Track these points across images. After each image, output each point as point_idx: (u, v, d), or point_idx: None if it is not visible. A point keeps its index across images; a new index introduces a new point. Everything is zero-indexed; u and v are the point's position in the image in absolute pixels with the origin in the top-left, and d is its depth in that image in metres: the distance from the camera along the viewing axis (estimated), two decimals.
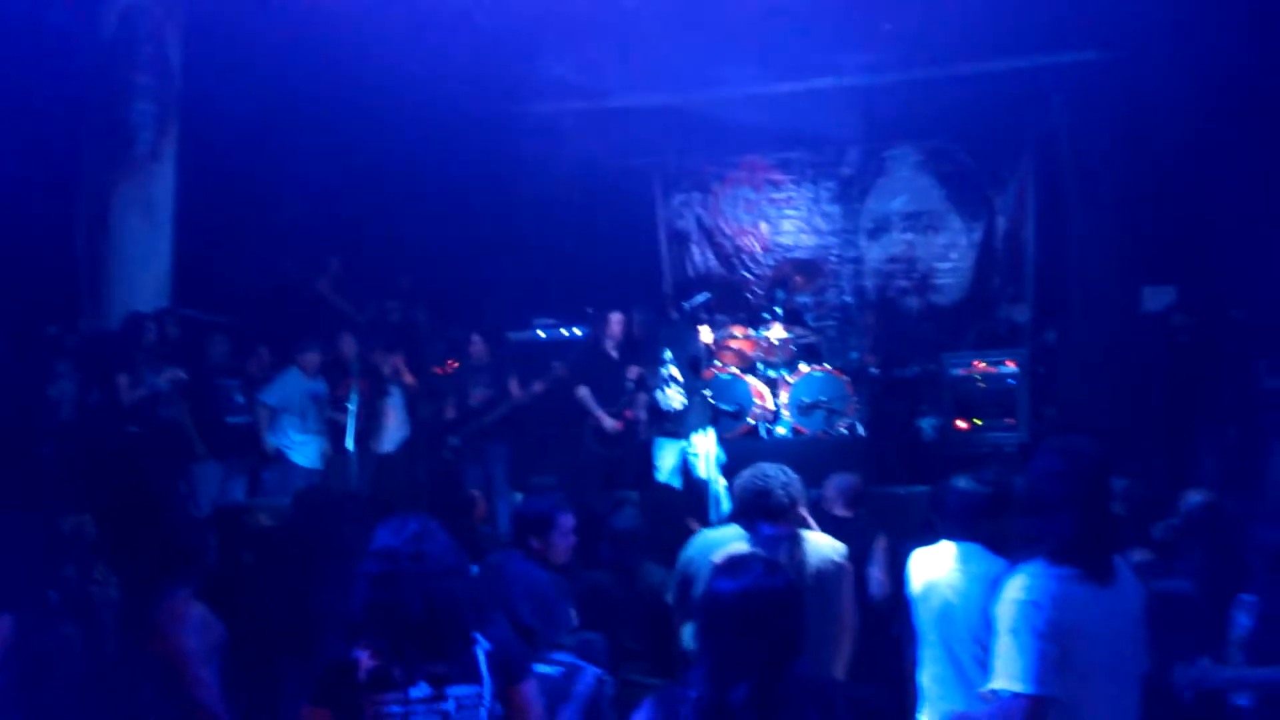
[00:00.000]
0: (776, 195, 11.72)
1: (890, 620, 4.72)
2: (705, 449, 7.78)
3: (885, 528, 5.57)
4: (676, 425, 7.78)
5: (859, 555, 4.82)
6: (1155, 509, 5.18)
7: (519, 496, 7.24)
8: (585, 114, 10.68)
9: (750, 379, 8.91)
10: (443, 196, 10.30)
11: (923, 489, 7.16)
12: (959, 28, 9.17)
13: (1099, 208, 9.82)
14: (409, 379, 8.79)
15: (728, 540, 4.07)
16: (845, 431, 8.77)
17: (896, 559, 4.75)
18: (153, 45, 8.69)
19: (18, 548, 4.26)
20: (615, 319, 8.36)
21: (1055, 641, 2.73)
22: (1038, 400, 8.80)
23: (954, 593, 3.54)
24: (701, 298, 9.34)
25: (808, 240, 11.60)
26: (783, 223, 11.69)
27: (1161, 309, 9.11)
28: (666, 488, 7.59)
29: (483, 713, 2.82)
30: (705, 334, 8.97)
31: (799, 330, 9.31)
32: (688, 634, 3.92)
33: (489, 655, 2.86)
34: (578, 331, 9.83)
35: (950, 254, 11.28)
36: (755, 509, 3.99)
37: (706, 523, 6.38)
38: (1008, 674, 2.76)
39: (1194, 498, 5.03)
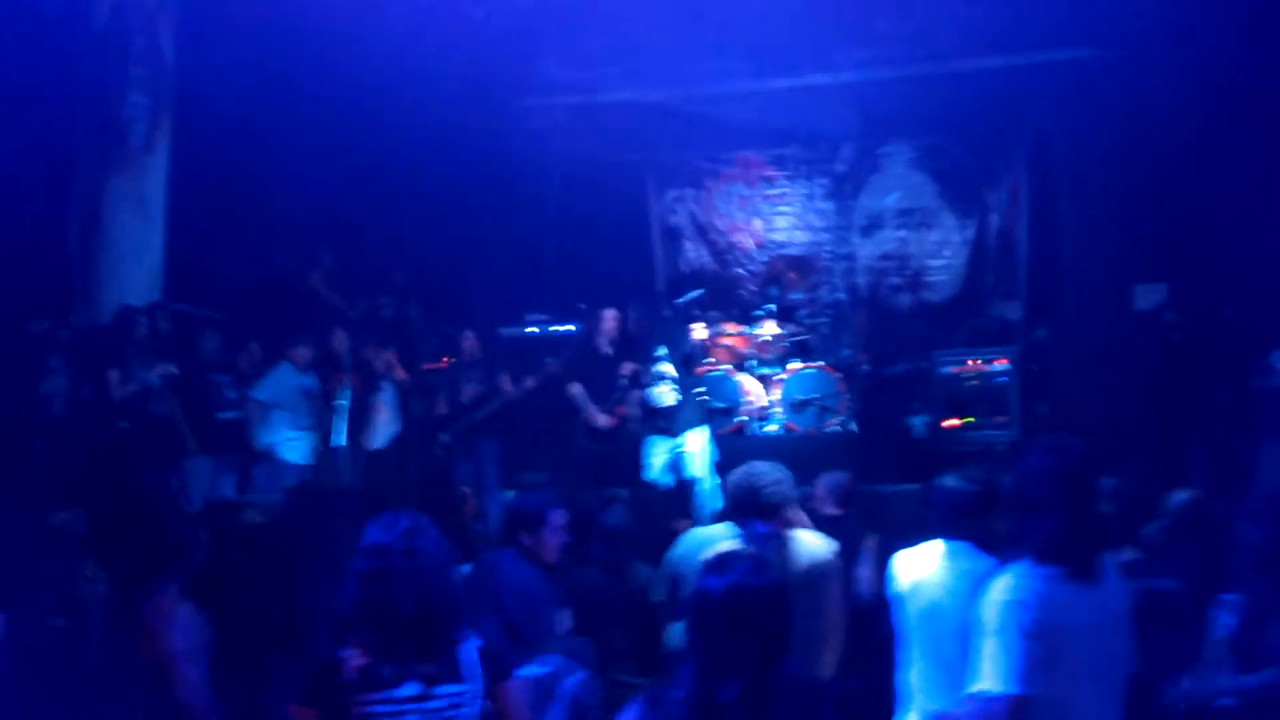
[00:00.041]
0: (770, 191, 11.68)
1: (878, 619, 4.72)
2: (698, 447, 7.78)
3: (875, 526, 5.57)
4: (669, 422, 7.75)
5: (849, 554, 4.82)
6: (1145, 508, 5.19)
7: (510, 494, 7.23)
8: (578, 109, 10.67)
9: (740, 376, 8.91)
10: (436, 192, 10.27)
11: (913, 487, 7.19)
12: (954, 25, 9.20)
13: (1092, 206, 9.83)
14: (401, 374, 8.77)
15: (717, 539, 4.06)
16: (837, 429, 8.77)
17: (886, 557, 4.75)
18: (145, 37, 8.68)
19: (8, 544, 4.26)
20: (609, 315, 8.27)
21: (1041, 641, 2.75)
22: (1029, 398, 8.79)
23: (942, 591, 3.54)
24: (694, 294, 9.34)
25: (801, 237, 11.59)
26: (776, 219, 11.67)
27: (1153, 307, 9.13)
28: (654, 486, 7.57)
29: (471, 711, 2.80)
30: (698, 330, 8.98)
31: (792, 327, 9.32)
32: (675, 634, 3.92)
33: (480, 652, 2.85)
34: (570, 328, 9.82)
35: (943, 251, 11.27)
36: (748, 506, 3.99)
37: (695, 522, 6.37)
38: (993, 675, 2.77)
39: (1180, 496, 5.05)
